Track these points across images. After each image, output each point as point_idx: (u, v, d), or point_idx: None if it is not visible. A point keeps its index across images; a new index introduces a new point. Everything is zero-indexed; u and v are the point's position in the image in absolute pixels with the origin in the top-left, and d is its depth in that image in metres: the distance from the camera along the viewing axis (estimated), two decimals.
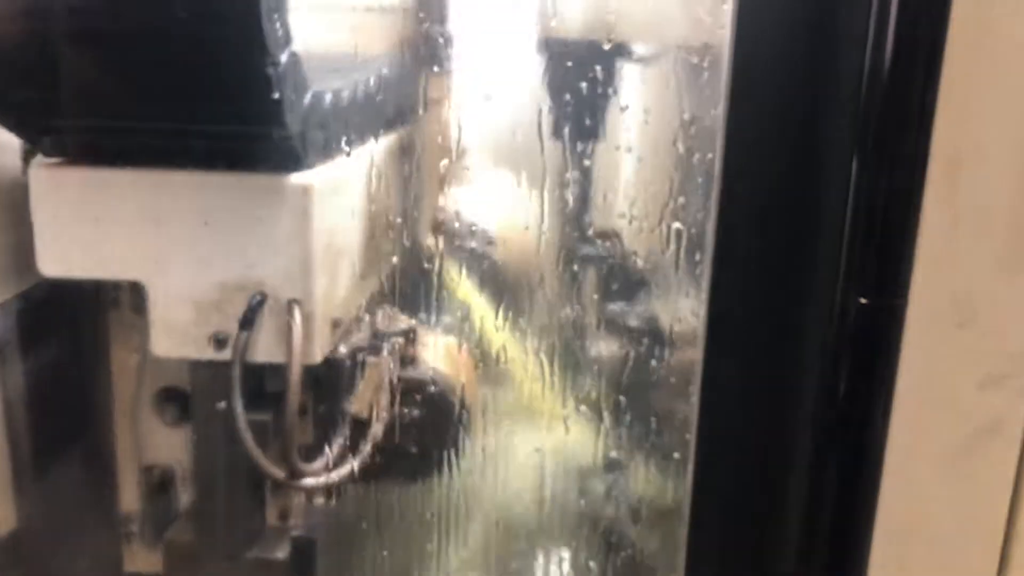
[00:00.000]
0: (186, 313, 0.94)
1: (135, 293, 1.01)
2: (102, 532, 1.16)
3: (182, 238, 0.93)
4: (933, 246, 0.57)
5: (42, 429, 1.09)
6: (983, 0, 0.55)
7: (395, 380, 1.02)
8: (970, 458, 0.62)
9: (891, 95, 0.57)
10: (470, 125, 1.11)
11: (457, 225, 1.20)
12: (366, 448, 0.98)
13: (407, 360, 1.05)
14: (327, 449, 1.00)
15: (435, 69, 1.15)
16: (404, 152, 1.19)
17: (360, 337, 1.06)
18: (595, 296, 1.13)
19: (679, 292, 0.90)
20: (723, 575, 0.70)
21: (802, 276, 0.61)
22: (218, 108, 0.86)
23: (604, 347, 1.10)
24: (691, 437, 0.65)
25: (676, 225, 0.85)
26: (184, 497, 1.13)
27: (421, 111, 1.17)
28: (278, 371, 0.94)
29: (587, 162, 1.09)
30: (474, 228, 1.21)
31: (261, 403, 0.97)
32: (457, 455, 1.05)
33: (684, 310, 0.96)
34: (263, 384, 0.99)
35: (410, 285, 1.12)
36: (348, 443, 1.01)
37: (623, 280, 1.07)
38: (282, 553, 1.02)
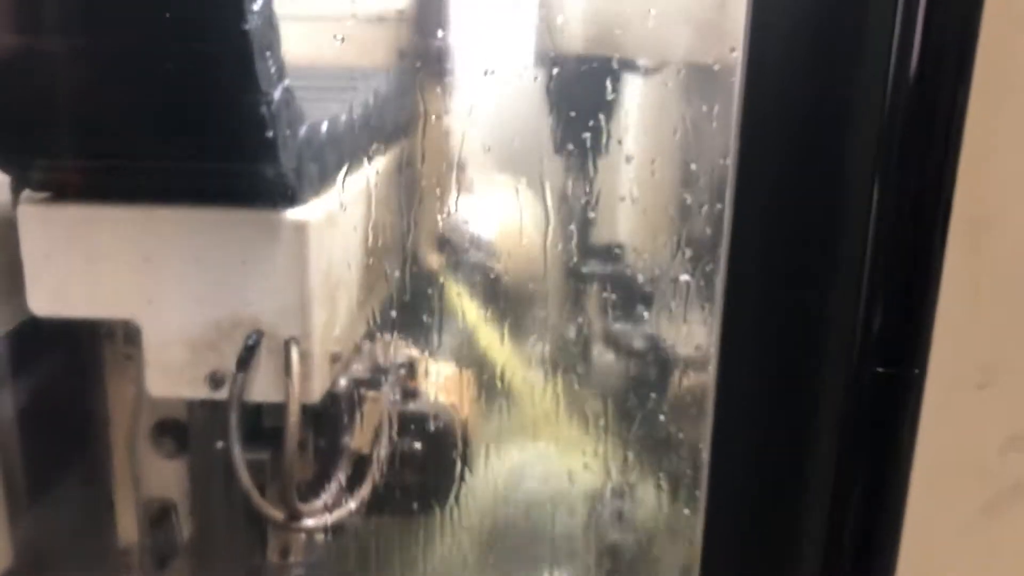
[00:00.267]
0: (181, 352, 0.92)
1: (130, 325, 0.99)
2: (101, 565, 1.15)
3: (176, 276, 0.90)
4: (954, 309, 0.55)
5: (38, 462, 1.08)
6: (1002, 65, 0.52)
7: (395, 415, 1.00)
8: (992, 522, 0.60)
9: (910, 158, 0.54)
10: (471, 138, 1.08)
11: (460, 240, 1.17)
12: (366, 488, 0.96)
13: (408, 393, 1.03)
14: (327, 487, 0.98)
15: (433, 81, 1.13)
16: (402, 169, 1.17)
17: (360, 368, 1.04)
18: (602, 312, 1.11)
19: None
20: None
21: (818, 343, 0.58)
22: (211, 146, 0.84)
23: (611, 372, 1.08)
24: (701, 514, 0.62)
25: (684, 277, 0.82)
26: (185, 530, 1.11)
27: (420, 125, 1.14)
28: (276, 407, 0.92)
29: (592, 175, 1.06)
30: (477, 243, 1.18)
31: (259, 440, 0.96)
32: (459, 489, 1.03)
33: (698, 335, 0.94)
34: (261, 419, 0.97)
35: (411, 309, 1.10)
36: (349, 480, 0.99)
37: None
38: None
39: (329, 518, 0.96)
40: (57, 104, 0.84)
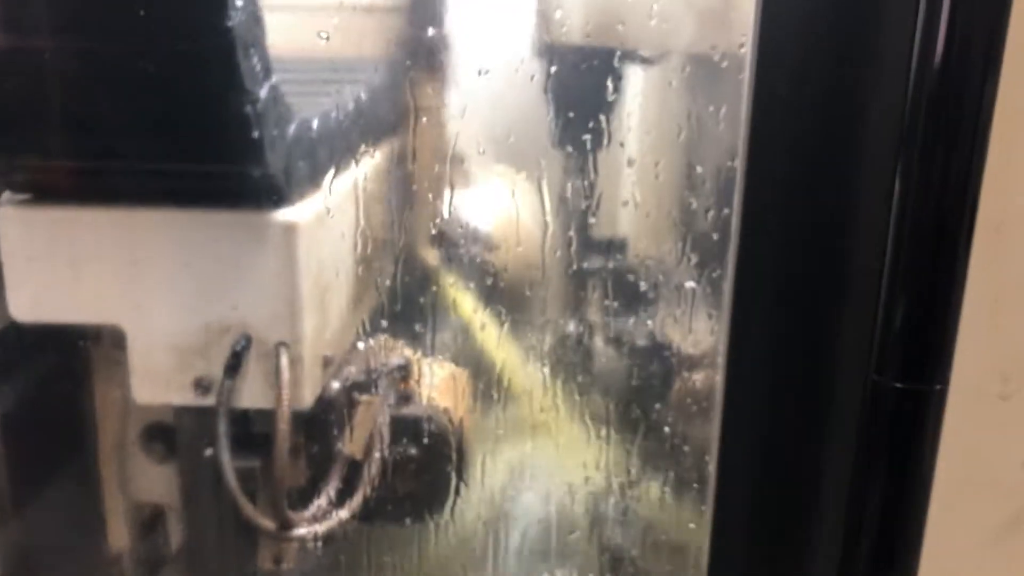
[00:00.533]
0: (168, 358, 0.89)
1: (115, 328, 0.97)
2: (91, 571, 1.13)
3: (161, 280, 0.88)
4: (975, 319, 0.52)
5: (25, 467, 1.06)
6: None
7: (389, 420, 0.97)
8: (1014, 538, 0.58)
9: (932, 159, 0.51)
10: (466, 132, 1.06)
11: (456, 234, 1.14)
12: (359, 495, 0.94)
13: (403, 396, 1.01)
14: (320, 493, 0.95)
15: (427, 73, 1.09)
16: (396, 164, 1.14)
17: (353, 371, 1.01)
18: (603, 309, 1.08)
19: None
20: None
21: (832, 356, 0.56)
22: (195, 146, 0.81)
23: (615, 374, 1.06)
24: (708, 530, 0.60)
25: (689, 284, 0.79)
26: (176, 535, 1.09)
27: (413, 119, 1.11)
28: (266, 412, 0.90)
29: (591, 170, 1.03)
30: (474, 236, 1.15)
31: (249, 446, 0.93)
32: (455, 494, 1.01)
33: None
34: (251, 424, 0.95)
35: (405, 310, 1.07)
36: (342, 485, 0.96)
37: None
38: None
39: (321, 527, 0.93)
40: (38, 104, 0.82)
